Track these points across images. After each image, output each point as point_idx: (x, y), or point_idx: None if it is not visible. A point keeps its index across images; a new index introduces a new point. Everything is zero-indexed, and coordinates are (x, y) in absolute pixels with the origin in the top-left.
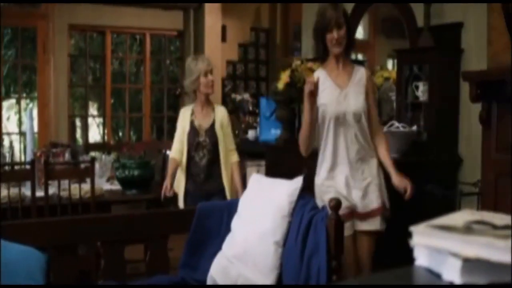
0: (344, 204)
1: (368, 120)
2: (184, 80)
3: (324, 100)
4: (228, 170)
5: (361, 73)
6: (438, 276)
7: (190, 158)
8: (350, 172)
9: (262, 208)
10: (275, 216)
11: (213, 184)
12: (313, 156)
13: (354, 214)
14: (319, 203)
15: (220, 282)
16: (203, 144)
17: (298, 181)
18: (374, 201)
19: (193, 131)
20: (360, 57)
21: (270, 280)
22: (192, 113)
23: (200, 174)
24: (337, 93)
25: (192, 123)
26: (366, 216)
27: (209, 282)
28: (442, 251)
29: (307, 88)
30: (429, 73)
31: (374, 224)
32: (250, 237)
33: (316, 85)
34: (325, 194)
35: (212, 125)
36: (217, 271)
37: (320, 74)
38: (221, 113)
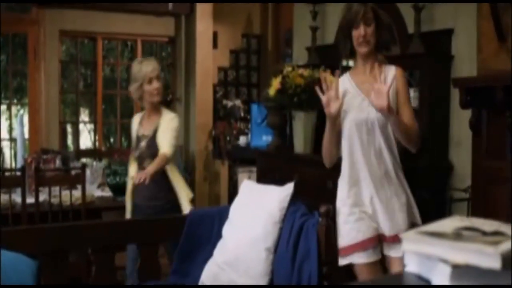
0: (371, 226)
1: None
2: (129, 85)
3: (344, 106)
4: (179, 181)
5: (391, 73)
6: (427, 282)
7: (138, 169)
8: (374, 189)
9: (253, 214)
10: (266, 223)
11: (160, 198)
12: (338, 167)
13: (381, 238)
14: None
15: None
16: (143, 155)
17: (289, 188)
18: (401, 223)
19: (137, 140)
20: (351, 63)
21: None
22: (140, 121)
23: (145, 188)
24: (360, 100)
25: (137, 132)
26: (394, 239)
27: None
28: (432, 257)
29: (323, 99)
30: (420, 79)
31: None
32: (241, 244)
33: (335, 90)
34: (346, 224)
35: (154, 135)
36: (208, 277)
37: (344, 77)
38: (165, 122)
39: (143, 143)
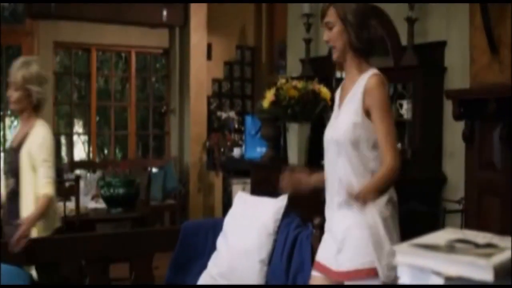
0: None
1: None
2: None
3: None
4: (29, 209)
5: (362, 82)
6: None
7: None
8: (332, 216)
9: (247, 226)
10: (260, 234)
11: (11, 225)
12: None
13: (326, 271)
14: None
15: None
16: (6, 171)
17: (283, 199)
18: (346, 261)
19: (7, 153)
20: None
21: None
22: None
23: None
24: (335, 113)
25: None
26: (339, 277)
27: None
28: (425, 269)
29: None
30: (413, 91)
31: None
32: (235, 256)
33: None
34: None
35: (18, 148)
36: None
37: (338, 90)
38: (35, 137)
39: (10, 157)
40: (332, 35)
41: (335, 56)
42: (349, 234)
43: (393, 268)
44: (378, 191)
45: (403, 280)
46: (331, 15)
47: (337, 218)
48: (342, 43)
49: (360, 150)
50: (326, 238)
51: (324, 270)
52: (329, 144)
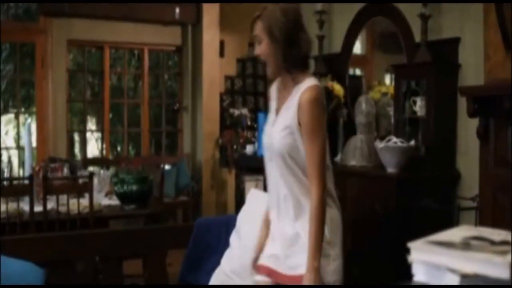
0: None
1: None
2: None
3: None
4: None
5: (297, 95)
6: None
7: None
8: (278, 223)
9: (260, 223)
10: None
11: None
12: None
13: (272, 274)
14: None
15: None
16: None
17: None
18: (296, 267)
19: None
20: (358, 72)
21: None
22: None
23: None
24: (272, 119)
25: None
26: (291, 280)
27: None
28: (441, 267)
29: None
30: (427, 88)
31: None
32: (248, 253)
33: None
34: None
35: None
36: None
37: (274, 87)
38: None
39: None
40: (261, 50)
41: (269, 72)
42: (296, 241)
43: (338, 272)
44: (319, 243)
45: (418, 277)
46: (259, 29)
47: (283, 225)
48: (273, 59)
49: (287, 159)
50: (271, 244)
51: (270, 272)
52: (270, 149)
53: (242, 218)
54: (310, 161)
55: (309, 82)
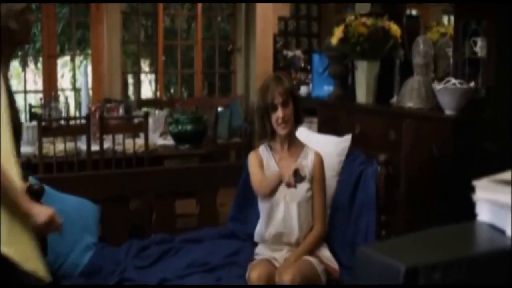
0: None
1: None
2: None
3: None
4: None
5: (310, 157)
6: (501, 232)
7: None
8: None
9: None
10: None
11: None
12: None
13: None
14: None
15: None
16: None
17: (347, 139)
18: None
19: None
20: (414, 12)
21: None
22: None
23: None
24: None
25: None
26: None
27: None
28: (506, 206)
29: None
30: (488, 27)
31: None
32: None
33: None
34: None
35: None
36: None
37: (264, 151)
38: None
39: None
40: (288, 112)
41: (286, 131)
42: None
43: None
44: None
45: (482, 217)
46: (287, 93)
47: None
48: (293, 119)
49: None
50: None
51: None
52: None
53: None
54: (319, 208)
55: (313, 149)
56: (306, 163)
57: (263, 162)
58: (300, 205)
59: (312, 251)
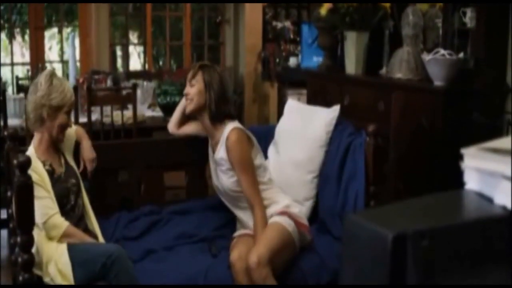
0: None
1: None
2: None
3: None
4: None
5: (223, 139)
6: (489, 200)
7: None
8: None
9: (298, 137)
10: (312, 147)
11: None
12: None
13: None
14: None
15: None
16: None
17: (335, 110)
18: None
19: None
20: None
21: (305, 207)
22: None
23: None
24: (214, 165)
25: None
26: None
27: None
28: (495, 174)
29: None
30: None
31: None
32: (285, 167)
33: None
34: None
35: None
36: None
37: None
38: None
39: None
40: (192, 91)
41: (189, 108)
42: None
43: None
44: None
45: (470, 185)
46: (198, 76)
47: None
48: (199, 102)
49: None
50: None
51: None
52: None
53: (280, 130)
54: (248, 190)
55: (230, 125)
56: (221, 155)
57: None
58: (233, 193)
59: (264, 226)
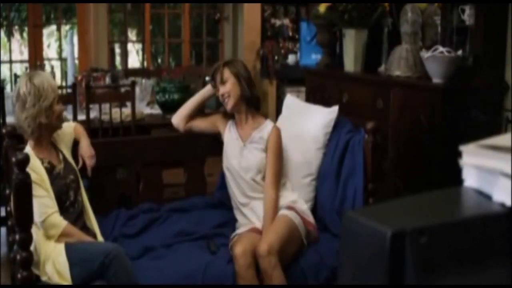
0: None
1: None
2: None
3: (229, 151)
4: None
5: (267, 129)
6: (488, 197)
7: None
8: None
9: (296, 139)
10: (310, 149)
11: None
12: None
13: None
14: None
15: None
16: None
17: (334, 111)
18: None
19: None
20: None
21: (304, 207)
22: None
23: None
24: (239, 147)
25: None
26: None
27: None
28: (493, 171)
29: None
30: None
31: None
32: (284, 169)
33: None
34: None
35: None
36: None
37: (230, 120)
38: None
39: None
40: (227, 88)
41: (228, 107)
42: None
43: None
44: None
45: (469, 182)
46: (226, 73)
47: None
48: (237, 94)
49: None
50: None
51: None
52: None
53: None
54: (272, 175)
55: (271, 123)
56: (262, 134)
57: (224, 126)
58: (251, 175)
59: (274, 215)
